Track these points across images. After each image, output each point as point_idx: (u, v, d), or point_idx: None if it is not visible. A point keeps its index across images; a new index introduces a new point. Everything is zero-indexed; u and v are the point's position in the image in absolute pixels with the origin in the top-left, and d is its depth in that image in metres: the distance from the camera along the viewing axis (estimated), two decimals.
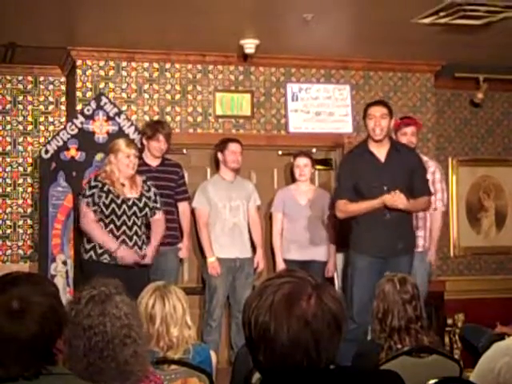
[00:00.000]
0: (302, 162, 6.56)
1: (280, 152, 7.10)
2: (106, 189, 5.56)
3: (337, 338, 1.90)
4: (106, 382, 2.45)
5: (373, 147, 5.69)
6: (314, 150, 7.02)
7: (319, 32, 6.16)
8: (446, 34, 6.18)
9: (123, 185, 5.60)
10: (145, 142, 6.22)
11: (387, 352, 3.72)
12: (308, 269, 6.10)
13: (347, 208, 5.66)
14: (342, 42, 6.65)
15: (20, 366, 1.97)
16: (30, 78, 7.19)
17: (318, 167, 7.08)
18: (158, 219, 5.80)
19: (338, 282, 6.71)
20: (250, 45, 6.44)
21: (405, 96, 7.38)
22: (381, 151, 5.69)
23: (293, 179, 6.76)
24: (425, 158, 6.35)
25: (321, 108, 7.16)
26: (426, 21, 5.83)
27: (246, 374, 3.23)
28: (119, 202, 5.54)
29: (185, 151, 6.88)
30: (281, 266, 6.41)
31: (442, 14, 5.65)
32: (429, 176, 6.09)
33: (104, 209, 5.53)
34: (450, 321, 6.98)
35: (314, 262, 6.43)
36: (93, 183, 5.62)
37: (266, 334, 1.86)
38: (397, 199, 5.53)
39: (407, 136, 6.22)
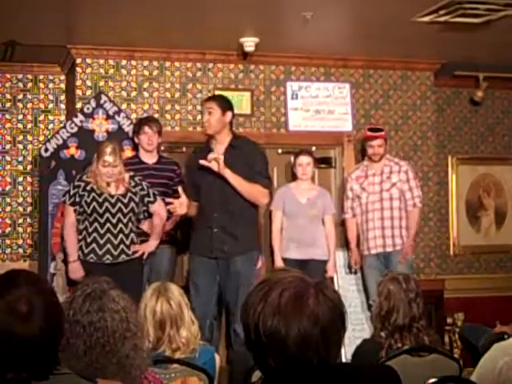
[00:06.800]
0: (305, 160, 6.54)
1: (280, 150, 7.09)
2: (88, 188, 5.59)
3: (342, 332, 1.91)
4: (107, 378, 2.44)
5: (213, 144, 5.68)
6: (313, 149, 7.01)
7: (319, 30, 6.15)
8: (445, 33, 6.17)
9: (108, 184, 5.60)
10: (136, 140, 6.20)
11: (387, 350, 3.70)
12: (307, 268, 6.10)
13: None
14: (341, 40, 6.64)
15: (30, 368, 1.96)
16: (29, 77, 7.18)
17: (322, 166, 7.07)
18: (155, 210, 5.79)
19: (337, 281, 6.71)
20: (249, 43, 6.44)
21: (404, 94, 7.37)
22: (218, 148, 5.65)
23: (293, 177, 6.76)
24: (395, 160, 6.70)
25: (320, 106, 7.15)
26: (426, 19, 5.83)
27: (245, 372, 3.24)
28: (101, 200, 5.56)
29: (184, 149, 6.87)
30: (279, 264, 6.39)
31: (441, 12, 5.65)
32: (402, 176, 6.47)
33: (86, 207, 5.57)
34: (449, 320, 6.98)
35: (312, 260, 6.41)
36: (76, 183, 5.67)
37: (276, 337, 1.85)
38: None
39: (374, 148, 6.55)
